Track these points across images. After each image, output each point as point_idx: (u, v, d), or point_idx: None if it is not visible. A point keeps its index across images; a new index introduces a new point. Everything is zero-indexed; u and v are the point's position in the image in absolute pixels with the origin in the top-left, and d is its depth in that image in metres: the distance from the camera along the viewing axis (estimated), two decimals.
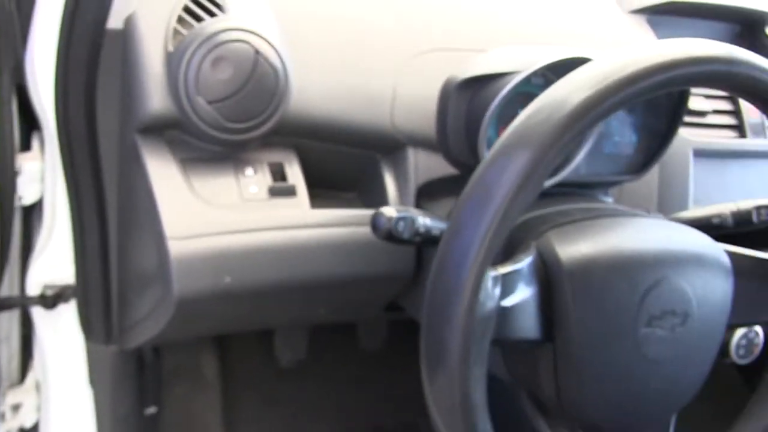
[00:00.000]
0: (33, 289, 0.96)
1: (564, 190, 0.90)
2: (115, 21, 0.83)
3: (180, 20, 0.82)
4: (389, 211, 0.73)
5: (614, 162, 0.95)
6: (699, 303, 0.73)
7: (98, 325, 0.96)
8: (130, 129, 0.84)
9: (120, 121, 0.87)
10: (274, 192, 0.85)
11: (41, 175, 0.94)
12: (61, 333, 1.00)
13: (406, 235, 0.73)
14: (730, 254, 0.78)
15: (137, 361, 1.25)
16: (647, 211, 0.90)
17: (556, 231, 0.74)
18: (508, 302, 0.67)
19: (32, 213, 0.98)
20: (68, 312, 0.98)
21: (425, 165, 0.91)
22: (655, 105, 0.94)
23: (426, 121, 0.89)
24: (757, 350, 1.06)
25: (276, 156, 0.88)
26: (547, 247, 0.71)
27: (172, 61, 0.81)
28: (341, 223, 0.87)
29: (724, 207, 0.90)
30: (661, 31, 1.13)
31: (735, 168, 1.10)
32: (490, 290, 0.64)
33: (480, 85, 0.85)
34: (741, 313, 0.79)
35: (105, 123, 0.86)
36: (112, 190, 0.90)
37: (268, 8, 0.87)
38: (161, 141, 0.83)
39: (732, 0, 1.23)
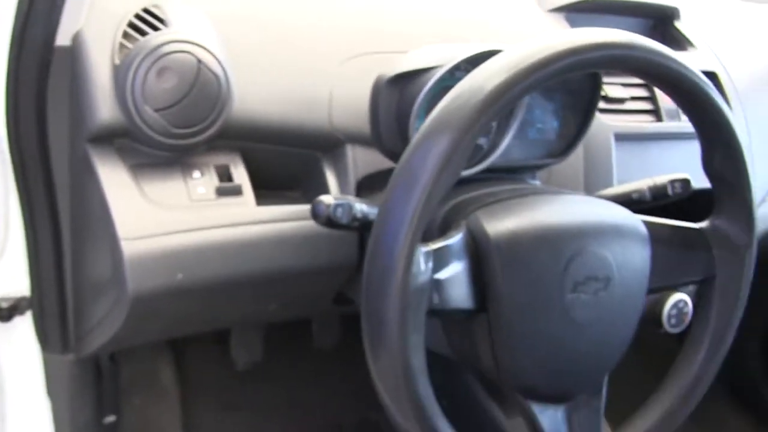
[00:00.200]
0: None
1: (492, 176, 0.95)
2: (63, 38, 0.86)
3: (125, 35, 0.86)
4: (328, 199, 0.78)
5: (539, 147, 1.00)
6: (619, 268, 0.79)
7: (54, 335, 0.98)
8: (80, 140, 0.86)
9: (70, 133, 0.89)
10: (221, 192, 0.89)
11: None
12: (16, 345, 1.01)
13: (344, 221, 0.78)
14: (647, 224, 0.83)
15: (95, 371, 1.26)
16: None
17: (484, 209, 0.79)
18: (441, 275, 0.72)
19: None
20: (24, 324, 0.98)
21: (363, 160, 0.96)
22: (573, 93, 0.99)
23: (361, 118, 0.93)
24: (687, 319, 1.11)
25: (222, 159, 0.91)
26: (476, 224, 0.76)
27: (119, 73, 0.84)
28: (286, 218, 0.91)
29: (642, 183, 0.97)
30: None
31: (654, 149, 1.16)
32: (423, 264, 0.69)
33: (407, 80, 0.90)
34: (660, 277, 0.84)
35: (55, 135, 0.89)
36: (64, 200, 0.93)
37: (208, 21, 0.91)
38: (111, 149, 0.86)
39: None
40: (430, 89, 0.87)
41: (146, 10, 0.88)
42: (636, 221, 0.83)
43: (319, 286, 1.01)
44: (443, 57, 0.89)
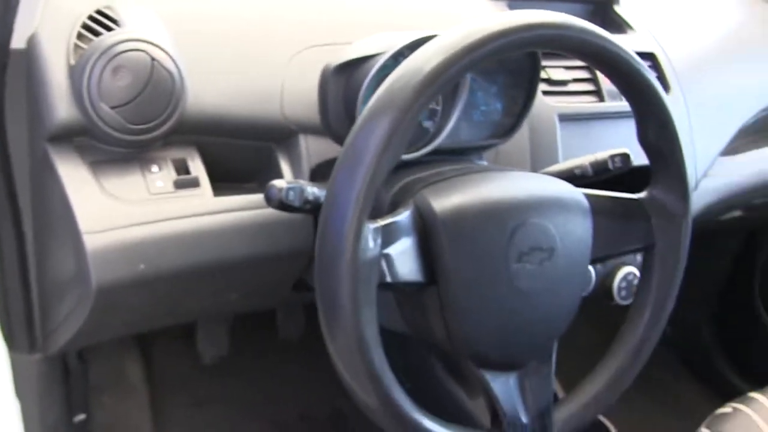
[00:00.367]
0: None
1: (440, 158, 0.98)
2: (17, 41, 0.88)
3: (79, 36, 0.87)
4: (280, 183, 0.80)
5: (484, 128, 1.03)
6: (562, 239, 0.82)
7: (21, 334, 0.99)
8: (40, 140, 0.88)
9: (29, 134, 0.91)
10: (179, 185, 0.90)
11: None
12: None
13: (296, 203, 0.80)
14: (588, 196, 0.87)
15: (63, 370, 1.26)
16: None
17: (431, 188, 0.82)
18: (390, 251, 0.75)
19: None
20: None
21: (316, 149, 0.98)
22: (514, 74, 1.02)
23: (312, 109, 0.96)
24: None
25: (178, 153, 0.93)
26: (423, 201, 0.79)
27: (74, 73, 0.85)
28: (243, 207, 0.93)
29: (584, 159, 1.00)
30: None
31: (596, 128, 1.19)
32: (371, 240, 0.72)
33: (352, 68, 0.93)
34: (602, 247, 0.88)
35: (14, 137, 0.91)
36: (26, 201, 0.94)
37: (159, 20, 0.93)
38: (70, 147, 0.88)
39: None
40: (375, 75, 0.89)
41: (99, 12, 0.90)
42: (577, 194, 0.86)
43: (278, 273, 1.03)
44: (386, 44, 0.91)
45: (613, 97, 1.22)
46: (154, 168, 0.91)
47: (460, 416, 1.33)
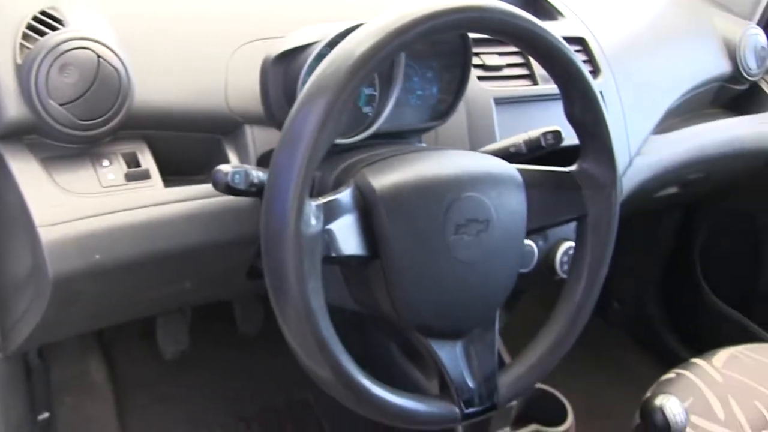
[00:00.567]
0: None
1: (380, 141, 1.02)
2: None
3: (24, 36, 0.89)
4: (226, 167, 0.83)
5: (421, 111, 1.07)
6: (497, 211, 0.87)
7: None
8: None
9: None
10: (130, 177, 0.93)
11: None
12: None
13: (242, 186, 0.83)
14: (522, 171, 0.92)
15: (24, 369, 1.28)
16: None
17: (370, 167, 0.86)
18: (333, 226, 0.79)
19: None
20: None
21: (261, 138, 1.01)
22: (447, 58, 1.06)
23: (255, 100, 0.99)
24: None
25: (128, 147, 0.95)
26: (363, 180, 0.83)
27: (22, 72, 0.87)
28: (193, 197, 0.96)
29: (518, 137, 1.05)
30: None
31: (531, 110, 1.24)
32: (314, 217, 0.76)
33: (290, 58, 0.96)
34: (537, 218, 0.93)
35: None
36: None
37: (104, 19, 0.95)
38: (21, 145, 0.90)
39: None
40: (312, 63, 0.93)
41: (43, 12, 0.92)
42: (510, 168, 0.91)
43: (230, 260, 1.06)
44: (321, 34, 0.95)
45: (546, 81, 1.27)
46: (105, 162, 0.93)
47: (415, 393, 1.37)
